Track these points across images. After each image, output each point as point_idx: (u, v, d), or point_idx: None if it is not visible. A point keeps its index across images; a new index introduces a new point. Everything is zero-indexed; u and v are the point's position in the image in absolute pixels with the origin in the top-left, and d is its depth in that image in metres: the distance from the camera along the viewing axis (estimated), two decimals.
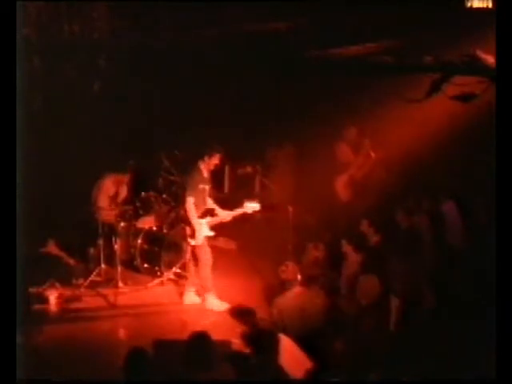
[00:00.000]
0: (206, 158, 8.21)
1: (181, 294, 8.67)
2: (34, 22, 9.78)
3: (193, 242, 8.24)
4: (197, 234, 8.16)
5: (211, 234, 8.30)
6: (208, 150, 8.21)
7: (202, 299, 8.42)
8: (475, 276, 6.62)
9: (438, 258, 7.33)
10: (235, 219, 8.49)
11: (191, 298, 8.49)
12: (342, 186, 10.21)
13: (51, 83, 10.24)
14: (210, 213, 8.33)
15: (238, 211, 8.38)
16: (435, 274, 6.93)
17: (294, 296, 7.21)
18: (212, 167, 8.33)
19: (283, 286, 7.75)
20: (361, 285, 6.67)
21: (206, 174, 8.28)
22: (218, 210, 8.44)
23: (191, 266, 8.51)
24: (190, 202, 8.13)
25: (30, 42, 9.55)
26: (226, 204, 8.74)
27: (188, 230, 8.26)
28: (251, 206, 8.36)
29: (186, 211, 8.23)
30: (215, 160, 8.27)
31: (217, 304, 8.27)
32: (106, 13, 10.16)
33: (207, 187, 8.34)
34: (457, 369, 5.39)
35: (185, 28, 9.48)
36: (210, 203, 8.44)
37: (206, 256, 8.28)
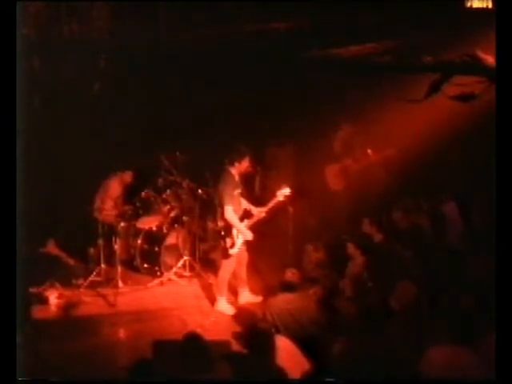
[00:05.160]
0: (236, 164, 8.03)
1: (181, 294, 8.70)
2: (33, 22, 9.78)
3: (233, 251, 8.10)
4: (238, 241, 8.04)
5: (250, 237, 8.12)
6: (236, 154, 8.04)
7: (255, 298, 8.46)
8: (475, 276, 6.62)
9: (438, 259, 7.33)
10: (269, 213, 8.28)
11: (245, 297, 8.47)
12: (332, 175, 10.20)
13: (51, 83, 10.23)
14: (246, 215, 8.16)
15: (271, 203, 8.16)
16: (435, 274, 6.93)
17: (285, 300, 7.24)
18: (243, 170, 8.16)
19: (285, 288, 7.75)
20: (397, 290, 6.58)
21: (237, 178, 8.11)
22: (253, 209, 8.26)
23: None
24: (230, 211, 7.92)
25: (29, 41, 9.54)
26: None
27: (228, 242, 8.07)
28: (283, 193, 8.10)
29: (225, 221, 8.00)
30: (245, 163, 8.10)
31: (227, 308, 8.25)
32: (106, 13, 10.15)
33: (240, 191, 8.18)
34: (457, 369, 5.39)
35: (185, 28, 9.48)
36: (245, 204, 8.29)
37: (231, 260, 8.20)
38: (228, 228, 8.05)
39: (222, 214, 8.04)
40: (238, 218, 8.06)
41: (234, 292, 8.58)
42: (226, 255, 8.15)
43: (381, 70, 7.51)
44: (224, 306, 8.26)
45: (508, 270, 4.51)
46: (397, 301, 6.33)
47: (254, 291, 8.57)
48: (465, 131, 8.64)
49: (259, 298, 8.42)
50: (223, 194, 7.98)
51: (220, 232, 8.15)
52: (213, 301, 8.40)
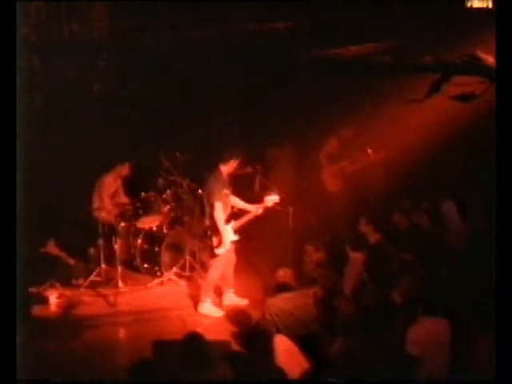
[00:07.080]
0: (231, 162, 7.99)
1: (181, 294, 8.69)
2: (34, 22, 9.79)
3: (219, 251, 8.01)
4: (224, 241, 7.95)
5: (236, 238, 8.07)
6: (231, 154, 8.01)
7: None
8: (475, 276, 6.62)
9: (438, 259, 7.33)
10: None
11: (230, 299, 8.35)
12: (329, 176, 10.20)
13: (51, 83, 10.23)
14: (234, 216, 8.11)
15: (260, 207, 8.14)
16: (435, 274, 6.93)
17: (284, 299, 7.24)
18: (231, 170, 8.11)
19: (278, 288, 7.75)
20: (400, 285, 6.59)
21: (225, 178, 8.07)
22: (249, 207, 8.21)
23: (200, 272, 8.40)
24: (219, 207, 7.85)
25: (29, 41, 9.55)
26: None
27: (214, 241, 7.99)
28: (271, 199, 8.10)
29: (213, 219, 7.91)
30: (235, 163, 8.06)
31: (212, 310, 8.16)
32: (106, 13, 10.16)
33: (228, 192, 8.11)
34: (457, 369, 5.40)
35: (185, 28, 9.48)
36: (240, 203, 8.25)
37: (220, 262, 8.13)
38: (215, 227, 7.98)
39: (211, 212, 7.97)
40: (225, 218, 7.99)
41: (218, 293, 8.47)
42: (213, 254, 8.07)
43: (381, 69, 7.51)
44: (209, 309, 8.15)
45: (508, 270, 4.51)
46: (400, 296, 6.34)
47: (252, 291, 8.54)
48: (465, 131, 8.64)
49: (245, 301, 8.34)
50: (213, 191, 7.94)
51: (206, 231, 8.10)
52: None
